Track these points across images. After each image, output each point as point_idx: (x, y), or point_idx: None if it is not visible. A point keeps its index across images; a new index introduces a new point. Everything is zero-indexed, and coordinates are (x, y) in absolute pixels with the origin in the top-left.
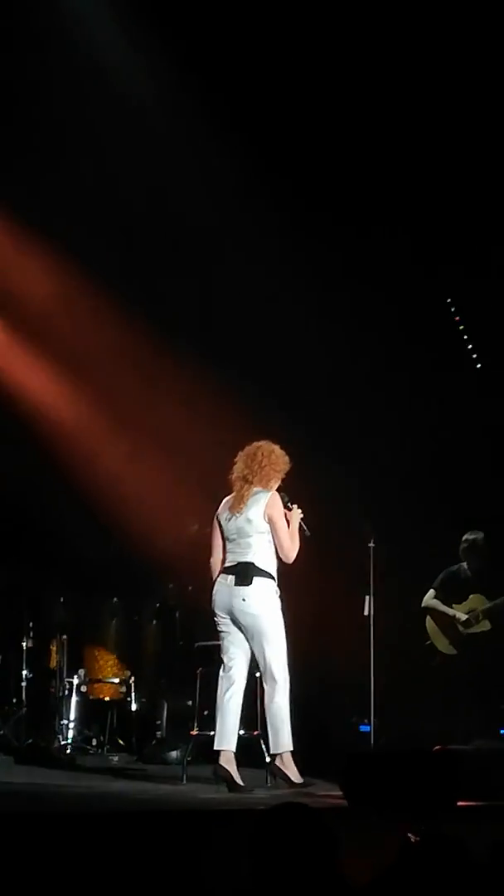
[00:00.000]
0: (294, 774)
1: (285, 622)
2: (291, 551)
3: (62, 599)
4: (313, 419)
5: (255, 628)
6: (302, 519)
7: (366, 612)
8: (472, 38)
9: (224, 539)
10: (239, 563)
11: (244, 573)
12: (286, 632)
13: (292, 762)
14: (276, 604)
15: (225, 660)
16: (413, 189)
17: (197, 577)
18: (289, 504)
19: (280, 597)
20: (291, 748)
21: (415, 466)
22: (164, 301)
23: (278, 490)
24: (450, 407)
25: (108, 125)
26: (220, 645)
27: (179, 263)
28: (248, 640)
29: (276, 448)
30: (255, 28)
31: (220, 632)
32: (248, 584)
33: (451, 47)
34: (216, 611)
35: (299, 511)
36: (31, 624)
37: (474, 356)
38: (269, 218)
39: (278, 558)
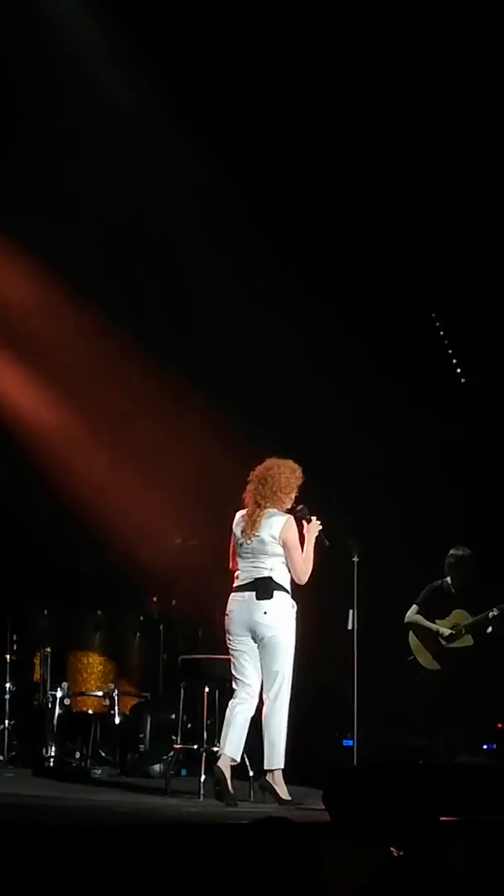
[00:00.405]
0: (284, 792)
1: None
2: (304, 574)
3: (46, 612)
4: (295, 433)
5: (273, 642)
6: (321, 530)
7: (349, 627)
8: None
9: (237, 556)
10: (256, 579)
11: (264, 587)
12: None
13: (282, 779)
14: (293, 620)
15: (240, 678)
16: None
17: (181, 591)
18: (308, 516)
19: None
20: (283, 766)
21: (398, 482)
22: (148, 313)
23: (296, 502)
24: (433, 422)
25: (90, 135)
26: (231, 664)
27: (162, 274)
28: (261, 657)
29: (286, 466)
30: (246, 52)
31: (236, 650)
32: (269, 598)
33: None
34: (233, 629)
35: (318, 523)
36: (14, 637)
37: (458, 371)
38: (243, 223)
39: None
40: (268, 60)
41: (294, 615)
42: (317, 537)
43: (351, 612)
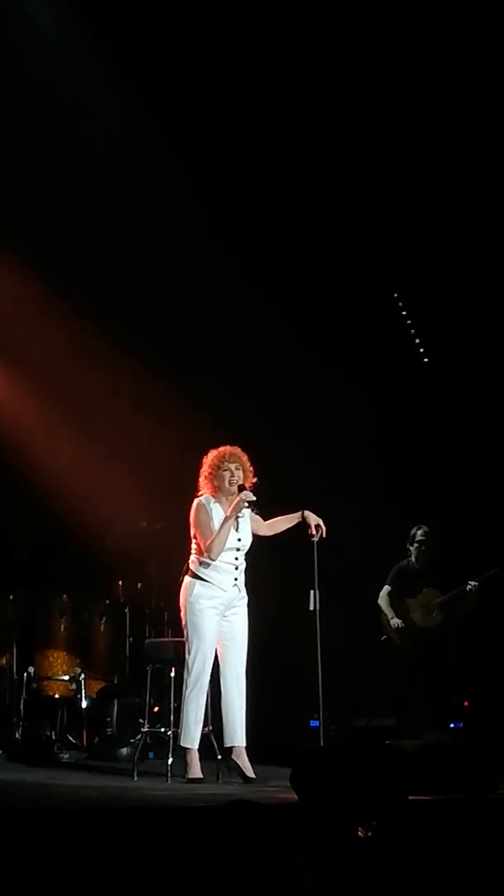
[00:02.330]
0: (249, 769)
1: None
2: (209, 551)
3: (11, 597)
4: (257, 411)
5: None
6: (249, 502)
7: (311, 608)
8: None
9: None
10: None
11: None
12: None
13: (246, 757)
14: (187, 603)
15: None
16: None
17: (147, 574)
18: (248, 501)
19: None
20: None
21: (357, 459)
22: (112, 300)
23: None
24: (395, 401)
25: (58, 131)
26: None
27: (128, 263)
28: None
29: (210, 452)
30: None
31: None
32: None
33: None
34: None
35: (245, 494)
36: None
37: (421, 351)
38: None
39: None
40: (235, 59)
41: (187, 597)
42: (236, 504)
43: (312, 592)
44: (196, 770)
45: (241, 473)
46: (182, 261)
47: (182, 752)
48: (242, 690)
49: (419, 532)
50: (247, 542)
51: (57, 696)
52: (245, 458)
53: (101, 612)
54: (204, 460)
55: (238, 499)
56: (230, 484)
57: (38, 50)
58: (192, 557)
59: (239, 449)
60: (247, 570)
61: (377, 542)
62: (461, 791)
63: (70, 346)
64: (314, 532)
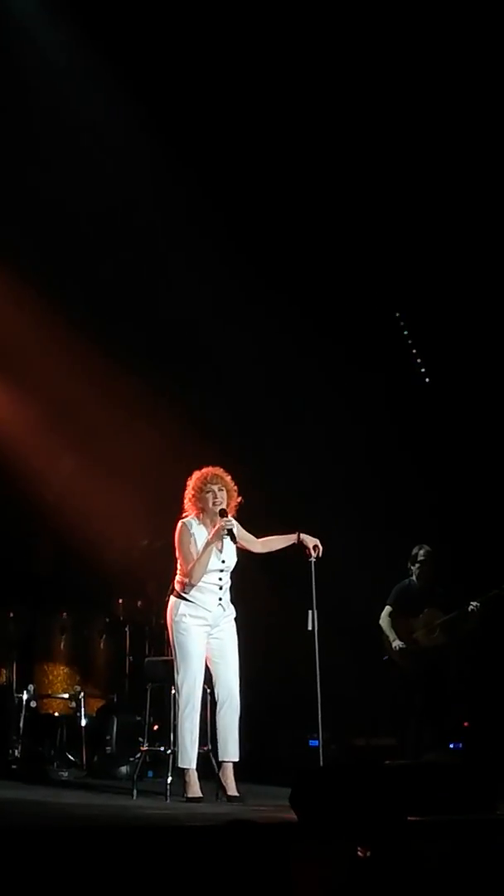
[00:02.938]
0: (232, 787)
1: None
2: (187, 576)
3: (12, 615)
4: (257, 427)
5: None
6: (227, 528)
7: (309, 627)
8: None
9: None
10: None
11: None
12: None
13: (232, 774)
14: (174, 623)
15: None
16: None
17: (147, 592)
18: (227, 528)
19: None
20: None
21: (356, 479)
22: (112, 314)
23: (223, 513)
24: (396, 419)
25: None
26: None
27: (128, 277)
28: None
29: (194, 474)
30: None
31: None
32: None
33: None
34: None
35: (226, 520)
36: None
37: (423, 371)
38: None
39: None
40: (236, 73)
41: (173, 616)
42: (217, 531)
43: (310, 612)
44: (195, 789)
45: (224, 494)
46: (183, 275)
47: (180, 772)
48: (236, 707)
49: (421, 552)
50: (231, 562)
51: (56, 714)
52: (228, 478)
53: (101, 629)
54: (188, 482)
55: (218, 526)
56: (214, 505)
57: (38, 63)
58: (178, 577)
59: (221, 469)
60: (232, 588)
61: (378, 562)
62: (460, 811)
63: (70, 361)
64: (312, 553)
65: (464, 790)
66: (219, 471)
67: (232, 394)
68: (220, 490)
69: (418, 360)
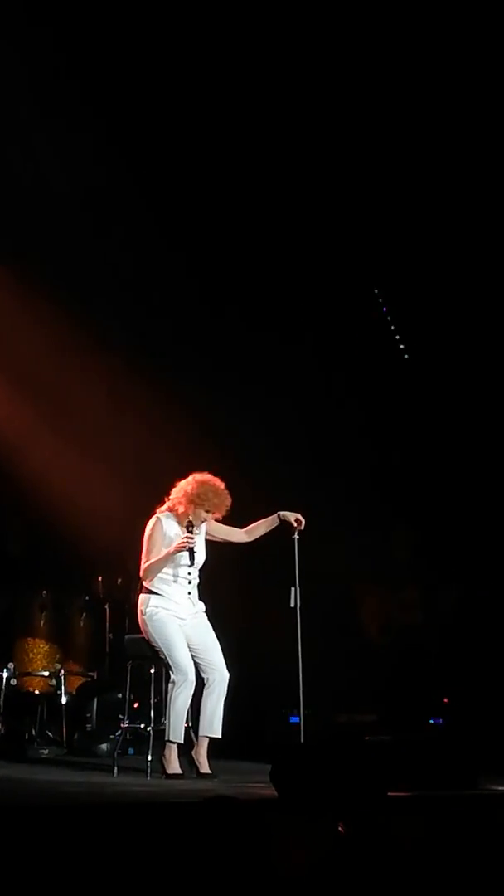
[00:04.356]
0: (204, 765)
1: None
2: (142, 571)
3: None
4: (243, 408)
5: None
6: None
7: (292, 604)
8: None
9: None
10: None
11: None
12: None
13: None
14: (146, 619)
15: None
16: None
17: (126, 570)
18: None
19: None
20: None
21: (340, 455)
22: (94, 298)
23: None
24: (375, 398)
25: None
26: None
27: (109, 262)
28: None
29: (206, 476)
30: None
31: None
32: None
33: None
34: None
35: (190, 536)
36: None
37: (402, 348)
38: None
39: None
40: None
41: (144, 610)
42: (179, 548)
43: (293, 589)
44: (175, 766)
45: (210, 516)
46: (166, 260)
47: (162, 748)
48: (225, 688)
49: (402, 529)
50: (200, 560)
51: (37, 692)
52: (230, 501)
53: (81, 607)
54: (193, 476)
55: (182, 542)
56: (207, 512)
57: None
58: (144, 577)
59: (228, 493)
60: (200, 586)
61: (358, 538)
62: (441, 787)
63: (52, 343)
64: (295, 527)
65: (445, 766)
66: (226, 494)
67: (216, 375)
68: (208, 512)
69: (397, 337)
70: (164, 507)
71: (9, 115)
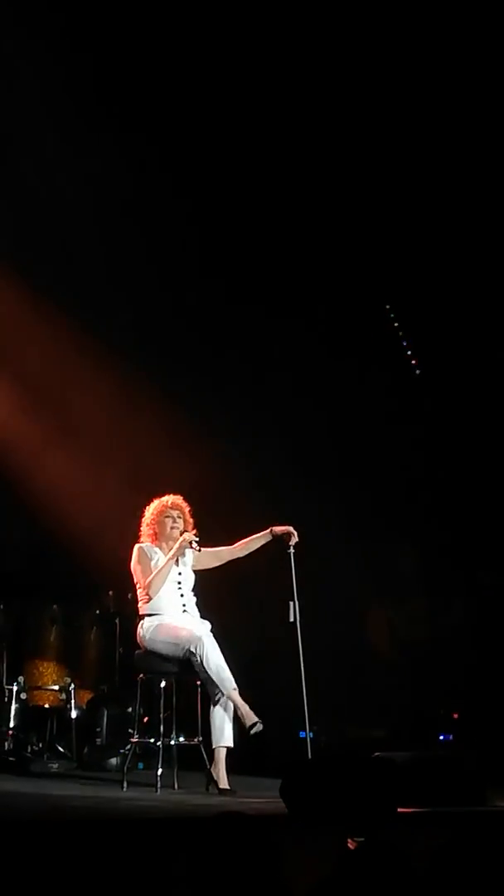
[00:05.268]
0: (223, 780)
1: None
2: (147, 590)
3: (2, 607)
4: (250, 418)
5: None
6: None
7: (291, 619)
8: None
9: None
10: None
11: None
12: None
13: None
14: (150, 640)
15: None
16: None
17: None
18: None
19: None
20: None
21: (339, 466)
22: (90, 295)
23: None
24: (380, 404)
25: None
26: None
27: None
28: None
29: (154, 501)
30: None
31: None
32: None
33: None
34: None
35: (188, 535)
36: None
37: (413, 362)
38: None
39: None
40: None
41: (144, 636)
42: (181, 544)
43: (291, 603)
44: (250, 714)
45: (181, 522)
46: (176, 264)
47: (229, 700)
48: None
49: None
50: (187, 576)
51: (47, 706)
52: (187, 509)
53: (92, 621)
54: (146, 509)
55: (182, 539)
56: (172, 530)
57: None
58: (141, 602)
59: (181, 499)
60: (197, 604)
61: (362, 550)
62: (450, 803)
63: (59, 350)
64: (288, 541)
65: (454, 782)
66: (179, 499)
67: (223, 388)
68: (178, 517)
69: (409, 353)
70: (145, 539)
71: (13, 115)
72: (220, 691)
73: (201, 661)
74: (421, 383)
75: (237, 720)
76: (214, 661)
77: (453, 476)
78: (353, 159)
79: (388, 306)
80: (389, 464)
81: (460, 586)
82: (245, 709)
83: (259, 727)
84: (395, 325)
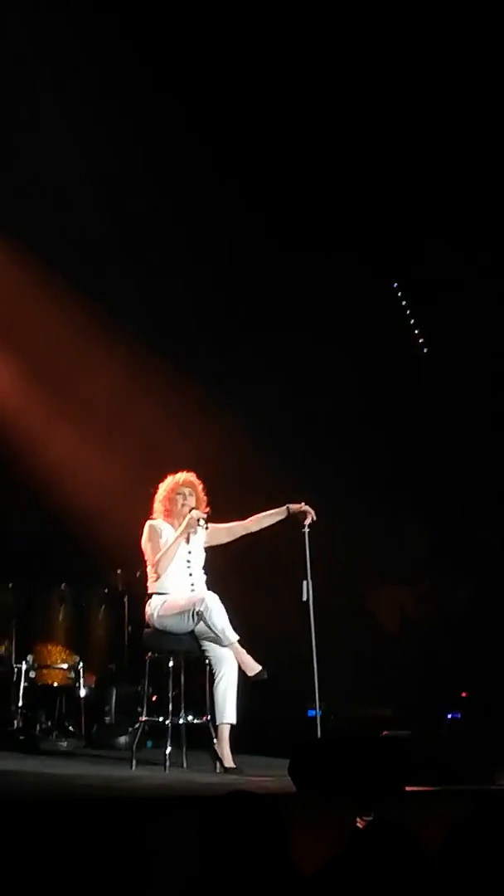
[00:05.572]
0: (228, 758)
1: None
2: (157, 568)
3: (10, 586)
4: (259, 397)
5: None
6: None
7: (304, 598)
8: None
9: None
10: None
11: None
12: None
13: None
14: (157, 618)
15: None
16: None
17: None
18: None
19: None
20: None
21: (358, 448)
22: (105, 278)
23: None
24: (392, 388)
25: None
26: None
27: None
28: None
29: (167, 478)
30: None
31: None
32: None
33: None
34: None
35: (194, 513)
36: None
37: (420, 341)
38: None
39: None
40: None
41: (152, 613)
42: (189, 522)
43: (304, 582)
44: (252, 663)
45: (193, 500)
46: (184, 244)
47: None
48: (235, 678)
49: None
50: (197, 555)
51: (55, 684)
52: (200, 486)
53: (100, 600)
54: (160, 485)
55: (189, 518)
56: (184, 507)
57: None
58: (150, 579)
59: (195, 476)
60: (207, 582)
61: (373, 530)
62: (458, 782)
63: (67, 329)
64: (304, 522)
65: (462, 761)
66: (192, 477)
67: (232, 367)
68: (190, 494)
69: (416, 331)
70: (158, 515)
71: (14, 83)
72: (220, 669)
73: (209, 618)
74: (429, 361)
75: (242, 696)
76: (219, 616)
77: (465, 455)
78: (361, 139)
79: (395, 284)
80: (402, 439)
81: (468, 563)
82: (247, 659)
83: (263, 675)
84: (403, 303)
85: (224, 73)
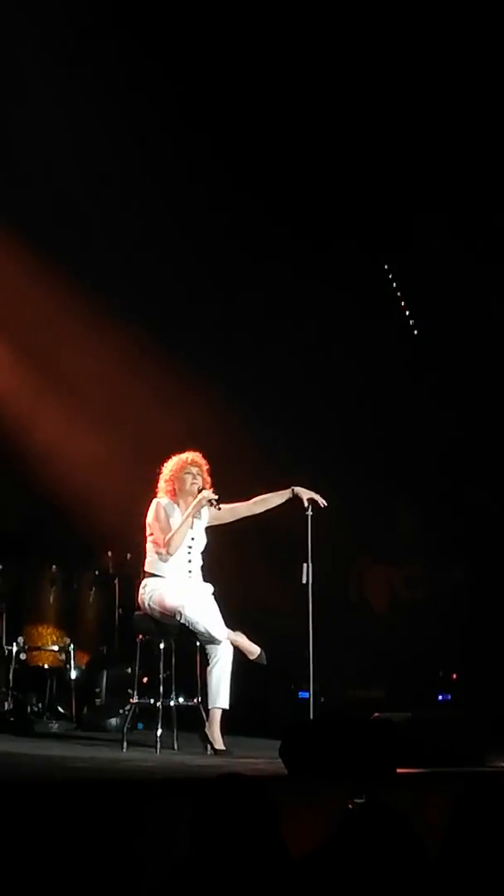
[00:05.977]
0: (218, 741)
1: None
2: (166, 547)
3: (0, 568)
4: (251, 381)
5: None
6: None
7: (304, 581)
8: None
9: None
10: None
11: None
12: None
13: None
14: (153, 602)
15: None
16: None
17: (136, 546)
18: (210, 499)
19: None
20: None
21: (350, 430)
22: (100, 263)
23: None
24: (383, 373)
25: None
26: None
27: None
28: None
29: (173, 457)
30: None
31: None
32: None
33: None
34: None
35: (205, 494)
36: None
37: (411, 323)
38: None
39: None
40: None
41: (145, 594)
42: (199, 501)
43: (305, 565)
44: (252, 646)
45: (200, 480)
46: (176, 229)
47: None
48: (230, 660)
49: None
50: (199, 540)
51: (46, 666)
52: (206, 467)
53: (91, 582)
54: (165, 464)
55: (200, 496)
56: (192, 486)
57: None
58: (148, 558)
59: (201, 456)
60: (204, 569)
61: (367, 514)
62: (449, 764)
63: (59, 313)
64: (307, 506)
65: (453, 743)
66: (199, 456)
67: (222, 349)
68: (198, 474)
69: (408, 313)
70: (164, 495)
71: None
72: (219, 652)
73: (192, 626)
74: (422, 342)
75: (234, 679)
76: (205, 620)
77: (456, 438)
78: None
79: (386, 266)
80: (395, 420)
81: (460, 544)
82: (246, 643)
83: (263, 659)
84: (394, 284)
85: (216, 55)
